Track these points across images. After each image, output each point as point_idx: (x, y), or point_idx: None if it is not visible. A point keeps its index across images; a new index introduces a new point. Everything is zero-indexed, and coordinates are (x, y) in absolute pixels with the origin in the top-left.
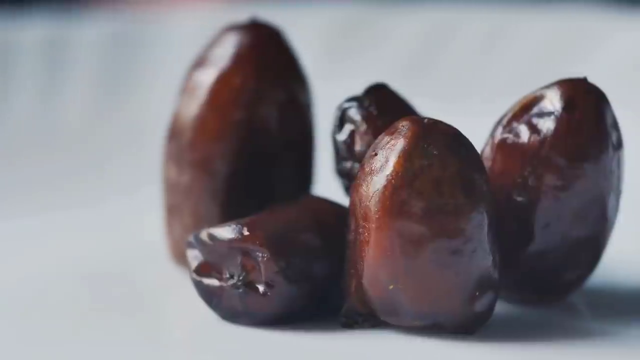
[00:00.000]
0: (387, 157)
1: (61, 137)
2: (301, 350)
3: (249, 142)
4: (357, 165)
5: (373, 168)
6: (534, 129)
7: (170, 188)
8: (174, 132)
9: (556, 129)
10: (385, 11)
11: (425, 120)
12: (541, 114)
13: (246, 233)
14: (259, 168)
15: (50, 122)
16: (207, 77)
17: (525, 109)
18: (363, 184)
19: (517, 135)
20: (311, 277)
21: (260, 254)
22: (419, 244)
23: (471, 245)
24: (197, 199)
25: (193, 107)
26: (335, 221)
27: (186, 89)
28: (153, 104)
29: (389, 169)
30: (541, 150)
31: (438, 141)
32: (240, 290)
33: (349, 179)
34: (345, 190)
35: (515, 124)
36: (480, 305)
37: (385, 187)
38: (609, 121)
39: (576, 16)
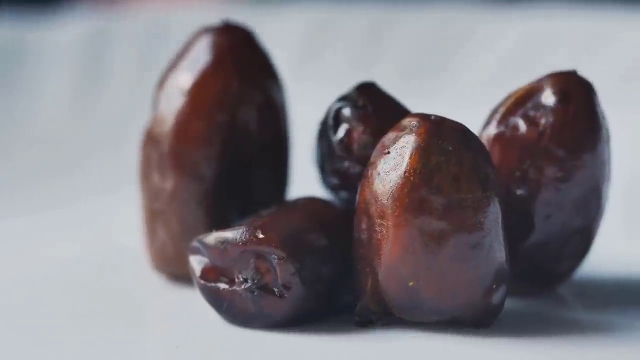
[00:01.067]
0: (401, 155)
1: (37, 138)
2: (316, 351)
3: (231, 145)
4: (354, 164)
5: (386, 166)
6: (531, 121)
7: (153, 194)
8: (153, 138)
9: (553, 121)
10: (266, 11)
11: (433, 117)
12: (537, 107)
13: (261, 236)
14: (239, 170)
15: (25, 123)
16: (186, 81)
17: (519, 103)
18: (376, 182)
19: (514, 128)
20: (322, 277)
21: (275, 256)
22: (440, 239)
23: (489, 238)
24: (183, 203)
25: (173, 112)
26: (335, 220)
27: (162, 94)
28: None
29: (405, 166)
30: (540, 143)
31: (451, 137)
32: (255, 294)
33: (345, 179)
34: (333, 190)
35: (511, 118)
36: (496, 297)
37: (402, 184)
38: (599, 113)
39: (454, 15)
